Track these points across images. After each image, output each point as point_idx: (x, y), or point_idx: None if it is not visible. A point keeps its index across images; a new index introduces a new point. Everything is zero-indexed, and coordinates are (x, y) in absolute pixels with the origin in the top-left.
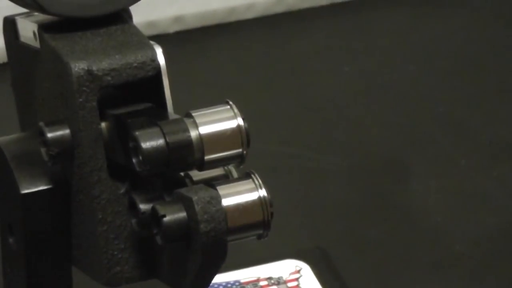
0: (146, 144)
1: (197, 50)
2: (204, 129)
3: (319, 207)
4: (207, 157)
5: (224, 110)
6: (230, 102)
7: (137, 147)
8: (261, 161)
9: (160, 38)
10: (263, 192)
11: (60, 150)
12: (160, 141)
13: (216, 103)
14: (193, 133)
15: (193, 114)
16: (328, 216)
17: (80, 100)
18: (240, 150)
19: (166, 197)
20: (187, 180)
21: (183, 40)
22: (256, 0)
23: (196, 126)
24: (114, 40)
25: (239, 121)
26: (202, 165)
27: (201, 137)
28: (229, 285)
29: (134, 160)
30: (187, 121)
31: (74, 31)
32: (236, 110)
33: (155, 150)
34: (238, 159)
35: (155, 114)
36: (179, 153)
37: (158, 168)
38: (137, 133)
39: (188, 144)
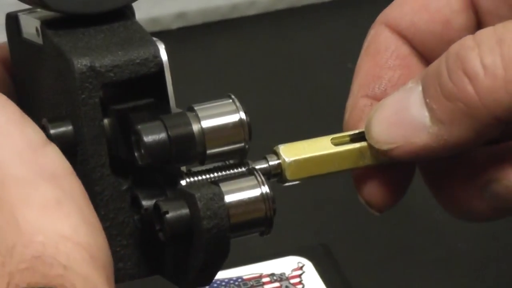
0: (148, 138)
1: (200, 47)
2: (206, 123)
3: (322, 204)
4: (209, 151)
5: (226, 104)
6: (232, 96)
7: (139, 140)
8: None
9: (163, 35)
10: (265, 189)
11: (62, 146)
12: (162, 135)
13: (218, 98)
14: (195, 127)
15: (195, 108)
16: (330, 213)
17: (83, 96)
18: (243, 144)
19: (169, 193)
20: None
21: (186, 37)
22: None
23: (198, 119)
24: (116, 37)
25: (241, 115)
26: (204, 159)
27: (203, 131)
28: (231, 282)
29: (136, 154)
30: (189, 114)
31: (77, 27)
32: (238, 104)
33: (157, 144)
34: (240, 153)
35: (158, 109)
36: (181, 146)
37: (160, 161)
38: (139, 126)
39: (190, 137)
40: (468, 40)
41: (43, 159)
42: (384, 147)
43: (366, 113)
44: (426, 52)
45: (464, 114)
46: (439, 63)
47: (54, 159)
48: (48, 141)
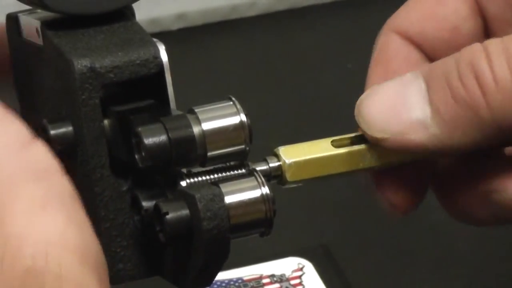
0: (148, 140)
1: (200, 47)
2: (207, 125)
3: (322, 204)
4: (209, 153)
5: (227, 106)
6: (233, 98)
7: (140, 143)
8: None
9: (163, 35)
10: (265, 190)
11: (62, 147)
12: (163, 137)
13: (219, 100)
14: (195, 129)
15: (196, 110)
16: (331, 214)
17: (83, 97)
18: (243, 146)
19: (169, 194)
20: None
21: (186, 37)
22: None
23: (198, 122)
24: (116, 38)
25: (242, 117)
26: (205, 161)
27: (203, 133)
28: (231, 283)
29: (136, 156)
30: (190, 117)
31: (77, 28)
32: (238, 106)
33: (158, 146)
34: (240, 155)
35: (158, 111)
36: (182, 149)
37: (160, 164)
38: (139, 129)
39: (190, 140)
40: (479, 48)
41: (26, 159)
42: (377, 134)
43: None
44: (436, 57)
45: (471, 121)
46: (448, 65)
47: (39, 158)
48: (33, 138)
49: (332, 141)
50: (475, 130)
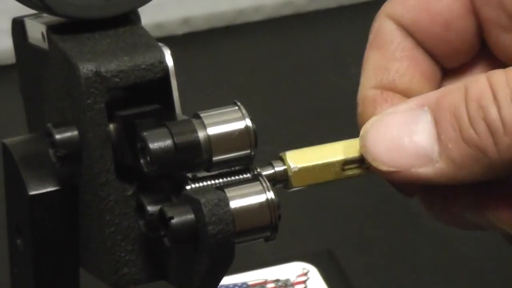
0: (154, 145)
1: (205, 52)
2: (212, 130)
3: (326, 209)
4: (215, 158)
5: (232, 111)
6: (238, 103)
7: (145, 147)
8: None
9: (168, 40)
10: (270, 195)
11: (68, 152)
12: (168, 142)
13: (224, 104)
14: (201, 134)
15: (201, 115)
16: (335, 218)
17: (88, 101)
18: (248, 151)
19: (174, 198)
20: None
21: (191, 42)
22: (264, 2)
23: (204, 127)
24: (122, 42)
25: (247, 122)
26: (210, 166)
27: (209, 138)
28: (236, 287)
29: (142, 161)
30: (195, 122)
31: (83, 32)
32: (244, 111)
33: (163, 151)
34: (246, 160)
35: (163, 115)
36: (187, 153)
37: (165, 168)
38: (145, 133)
39: (196, 144)
40: (486, 86)
41: None
42: (383, 168)
43: (378, 102)
44: (429, 48)
45: (479, 160)
46: (456, 102)
47: None
48: None
49: (343, 164)
50: (483, 168)
